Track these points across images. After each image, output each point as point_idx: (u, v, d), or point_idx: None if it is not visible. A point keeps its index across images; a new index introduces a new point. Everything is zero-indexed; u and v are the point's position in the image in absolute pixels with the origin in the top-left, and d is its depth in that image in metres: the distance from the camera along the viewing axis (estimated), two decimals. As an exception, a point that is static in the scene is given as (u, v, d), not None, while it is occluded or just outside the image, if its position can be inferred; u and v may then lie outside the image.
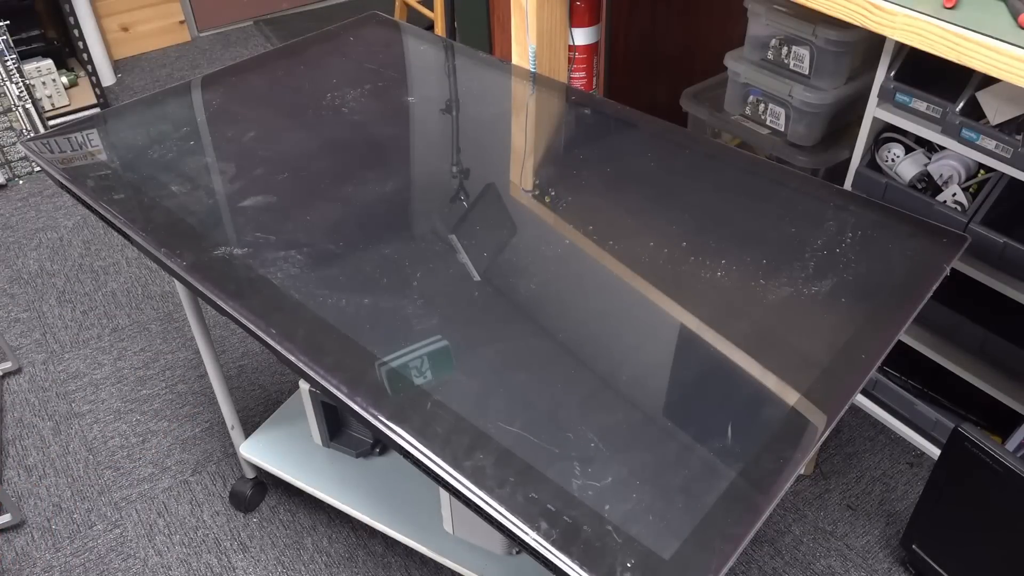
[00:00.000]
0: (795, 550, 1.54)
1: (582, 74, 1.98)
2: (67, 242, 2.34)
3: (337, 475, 1.49)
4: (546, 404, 0.89)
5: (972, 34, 1.08)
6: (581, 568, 0.71)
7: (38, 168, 2.60)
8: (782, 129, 1.83)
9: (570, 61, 1.95)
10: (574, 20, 1.89)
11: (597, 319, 1.01)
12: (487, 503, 0.76)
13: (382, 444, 1.50)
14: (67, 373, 1.95)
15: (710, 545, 0.73)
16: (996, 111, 1.33)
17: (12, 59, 2.44)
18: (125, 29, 3.18)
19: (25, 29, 2.70)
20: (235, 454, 1.60)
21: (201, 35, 3.38)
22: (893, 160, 1.54)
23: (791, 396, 0.88)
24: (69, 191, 1.20)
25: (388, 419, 0.84)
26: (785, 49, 1.74)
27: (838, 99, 1.72)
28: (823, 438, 0.86)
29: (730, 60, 1.85)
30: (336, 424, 1.51)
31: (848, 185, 1.58)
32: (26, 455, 1.76)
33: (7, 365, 1.94)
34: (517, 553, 1.34)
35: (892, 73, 1.43)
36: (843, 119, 1.78)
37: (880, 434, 1.74)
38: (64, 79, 2.81)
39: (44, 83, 2.71)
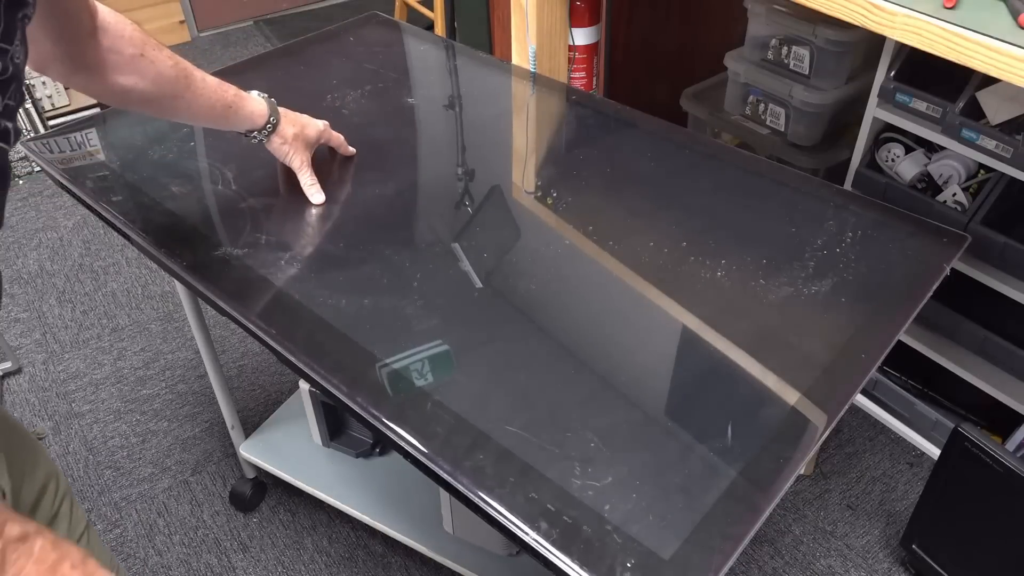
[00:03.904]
0: (795, 550, 1.54)
1: (582, 74, 1.98)
2: (67, 242, 2.34)
3: (337, 475, 1.49)
4: (546, 404, 0.89)
5: (972, 34, 1.08)
6: (581, 568, 0.71)
7: (38, 168, 2.60)
8: (782, 129, 1.83)
9: (570, 61, 1.95)
10: (574, 20, 1.89)
11: (598, 319, 1.01)
12: (487, 503, 0.76)
13: (382, 444, 1.50)
14: (67, 373, 1.95)
15: (710, 545, 0.73)
16: (996, 111, 1.33)
17: (12, 59, 2.44)
18: None
19: (25, 29, 2.70)
20: (235, 454, 1.60)
21: (201, 35, 3.38)
22: (893, 160, 1.54)
23: (791, 396, 0.88)
24: (69, 191, 1.20)
25: (388, 419, 0.84)
26: (785, 49, 1.74)
27: (838, 99, 1.72)
28: (823, 438, 0.86)
29: (730, 60, 1.85)
30: (336, 424, 1.51)
31: (848, 185, 1.58)
32: (26, 455, 1.76)
33: (7, 365, 1.94)
34: (517, 553, 1.34)
35: (892, 73, 1.43)
36: (843, 119, 1.78)
37: (880, 434, 1.74)
38: (64, 79, 2.81)
39: (44, 83, 2.71)
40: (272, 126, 1.11)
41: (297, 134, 1.14)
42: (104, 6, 0.91)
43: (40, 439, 0.98)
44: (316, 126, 1.18)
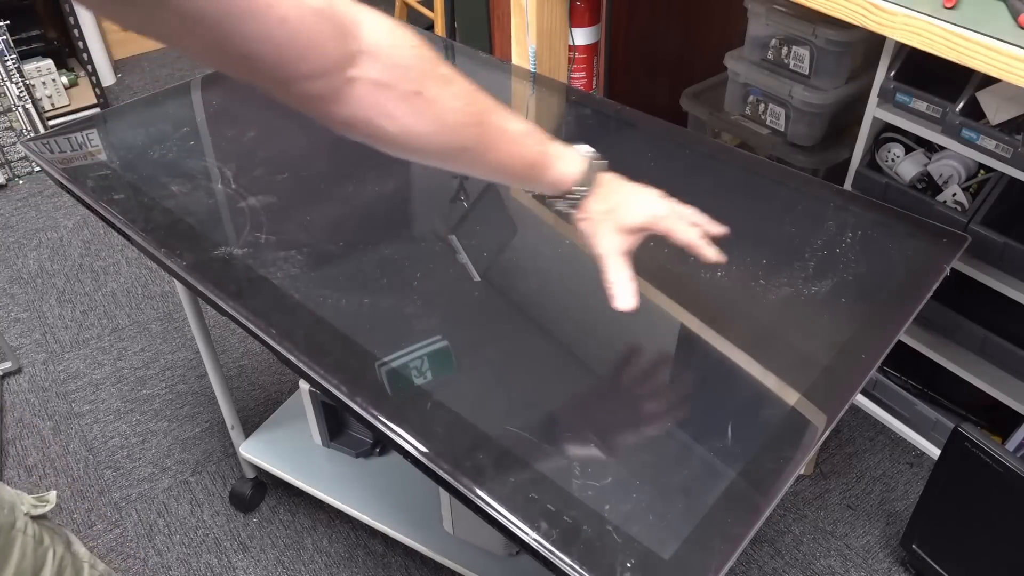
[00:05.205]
0: (795, 550, 1.54)
1: (582, 74, 1.98)
2: (67, 242, 2.34)
3: (337, 475, 1.49)
4: (546, 404, 0.89)
5: (972, 34, 1.08)
6: (581, 568, 0.71)
7: (38, 168, 2.60)
8: (782, 129, 1.83)
9: (570, 61, 1.95)
10: (574, 20, 1.89)
11: (597, 319, 1.01)
12: (487, 503, 0.76)
13: (382, 444, 1.50)
14: (67, 373, 1.95)
15: (710, 545, 0.73)
16: (996, 111, 1.33)
17: (12, 59, 2.44)
18: (125, 29, 3.18)
19: (25, 29, 2.70)
20: (235, 454, 1.60)
21: (201, 35, 3.37)
22: (893, 160, 1.54)
23: (791, 396, 0.88)
24: (69, 191, 1.20)
25: (388, 419, 0.84)
26: (785, 49, 1.74)
27: (838, 99, 1.72)
28: (823, 438, 0.86)
29: (730, 60, 1.85)
30: (336, 424, 1.51)
31: (848, 185, 1.58)
32: (26, 455, 1.76)
33: (7, 365, 1.94)
34: (517, 553, 1.34)
35: (892, 73, 1.43)
36: (843, 119, 1.78)
37: (880, 434, 1.74)
38: (64, 79, 2.81)
39: (44, 83, 2.71)
40: (576, 197, 0.83)
41: (607, 212, 0.83)
42: (377, 17, 0.64)
43: (36, 512, 0.85)
44: (645, 208, 0.84)
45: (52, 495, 0.88)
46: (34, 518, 0.85)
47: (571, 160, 0.81)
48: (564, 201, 0.83)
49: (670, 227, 0.85)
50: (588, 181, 0.82)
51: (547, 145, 0.79)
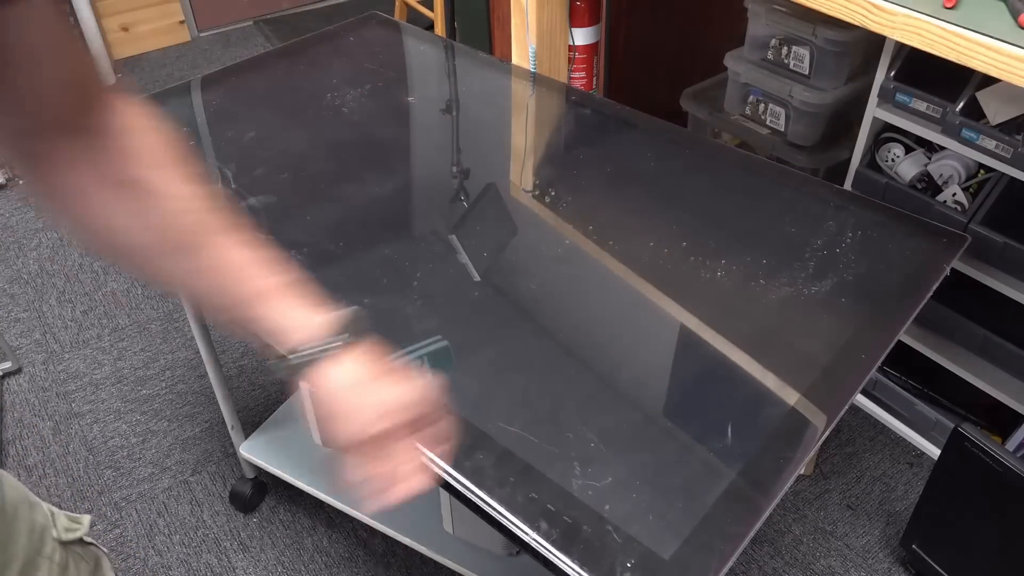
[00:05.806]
0: (795, 550, 1.54)
1: (582, 74, 1.98)
2: (67, 242, 2.33)
3: (337, 475, 1.49)
4: (546, 404, 0.89)
5: (972, 34, 1.08)
6: (581, 568, 0.71)
7: (38, 168, 2.59)
8: (782, 129, 1.83)
9: (570, 61, 1.95)
10: (574, 20, 1.89)
11: (597, 319, 1.01)
12: (487, 503, 0.76)
13: (382, 444, 1.50)
14: (67, 373, 1.95)
15: (710, 545, 0.73)
16: (996, 111, 1.33)
17: (12, 59, 2.44)
18: (125, 29, 3.18)
19: (25, 29, 2.70)
20: (235, 454, 1.60)
21: (201, 35, 3.38)
22: (893, 160, 1.54)
23: (791, 396, 0.88)
24: (69, 191, 1.19)
25: (388, 419, 0.84)
26: (785, 49, 1.73)
27: (838, 99, 1.72)
28: (823, 438, 0.86)
29: (730, 60, 1.85)
30: (336, 424, 1.51)
31: (848, 185, 1.58)
32: (26, 455, 1.76)
33: (7, 365, 1.94)
34: (517, 553, 1.34)
35: (892, 73, 1.43)
36: (843, 119, 1.78)
37: (880, 434, 1.74)
38: (64, 79, 2.80)
39: (44, 83, 2.71)
40: None
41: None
42: None
43: (66, 538, 0.83)
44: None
45: (86, 520, 0.84)
46: (64, 543, 0.83)
47: None
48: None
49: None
50: None
51: None
